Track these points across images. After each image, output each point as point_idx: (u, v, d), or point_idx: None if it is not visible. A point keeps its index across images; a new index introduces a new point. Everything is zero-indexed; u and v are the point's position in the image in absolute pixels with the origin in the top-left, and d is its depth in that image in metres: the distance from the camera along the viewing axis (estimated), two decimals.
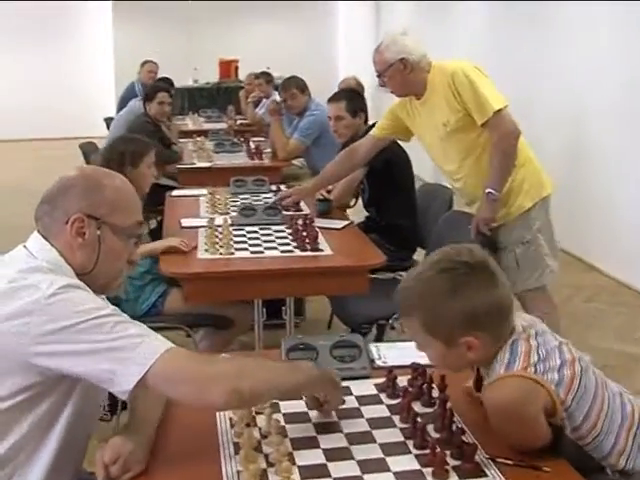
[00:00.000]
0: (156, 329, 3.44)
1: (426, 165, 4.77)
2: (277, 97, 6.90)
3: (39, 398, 1.64)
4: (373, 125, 4.22)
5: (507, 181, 3.42)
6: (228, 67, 11.40)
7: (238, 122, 8.08)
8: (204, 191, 4.40)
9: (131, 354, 1.57)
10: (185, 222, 3.75)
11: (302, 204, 4.19)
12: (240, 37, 13.29)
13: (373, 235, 3.93)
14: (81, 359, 1.57)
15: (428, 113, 3.55)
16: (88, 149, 6.16)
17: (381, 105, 5.46)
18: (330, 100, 4.47)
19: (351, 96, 4.41)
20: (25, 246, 1.76)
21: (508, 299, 1.70)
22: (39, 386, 1.63)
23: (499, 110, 3.31)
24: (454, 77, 3.38)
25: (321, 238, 3.43)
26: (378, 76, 3.59)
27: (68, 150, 7.81)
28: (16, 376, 1.61)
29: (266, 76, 7.87)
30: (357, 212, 4.52)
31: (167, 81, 7.56)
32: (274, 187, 4.59)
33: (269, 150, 6.07)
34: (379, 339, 3.61)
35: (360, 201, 4.56)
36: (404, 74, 3.50)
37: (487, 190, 3.37)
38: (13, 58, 13.37)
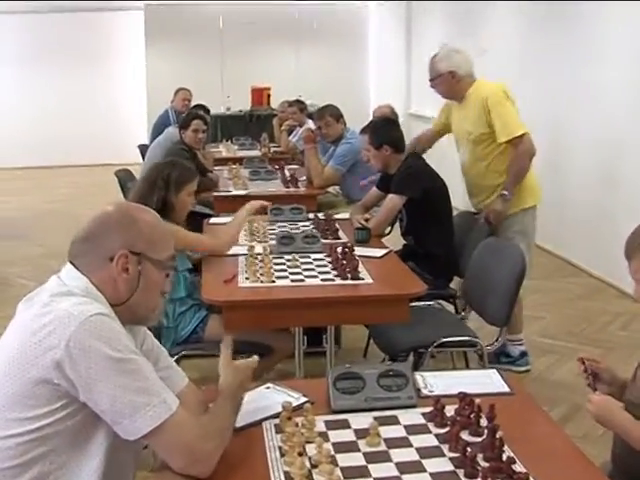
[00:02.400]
0: (195, 356, 3.53)
1: (459, 190, 4.83)
2: (311, 125, 6.98)
3: (66, 420, 1.70)
4: (412, 155, 4.31)
5: (517, 187, 4.30)
6: (260, 95, 11.49)
7: (272, 150, 8.16)
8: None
9: (140, 412, 1.66)
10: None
11: (341, 232, 4.24)
12: (272, 65, 13.42)
13: (410, 263, 3.97)
14: (98, 394, 1.66)
15: (461, 118, 4.46)
16: (124, 176, 6.26)
17: (413, 133, 5.51)
18: (360, 132, 4.59)
19: (376, 128, 4.43)
20: (59, 276, 1.84)
21: None
22: (63, 408, 1.69)
23: (522, 135, 4.22)
24: (489, 99, 4.24)
25: (361, 267, 3.46)
26: (430, 80, 4.46)
27: (103, 177, 7.96)
28: (38, 393, 1.67)
29: (299, 104, 7.95)
30: (394, 240, 4.55)
31: (202, 108, 7.63)
32: (311, 215, 4.64)
33: (304, 178, 6.13)
34: (417, 367, 3.62)
35: (397, 230, 4.60)
36: (451, 83, 4.40)
37: (503, 192, 4.27)
38: (47, 86, 13.70)
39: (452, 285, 4.31)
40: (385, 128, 4.46)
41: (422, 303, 3.83)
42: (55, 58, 13.63)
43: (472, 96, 4.36)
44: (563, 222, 6.87)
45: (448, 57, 4.40)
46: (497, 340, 3.54)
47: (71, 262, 1.84)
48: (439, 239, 4.18)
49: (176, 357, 3.40)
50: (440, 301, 4.21)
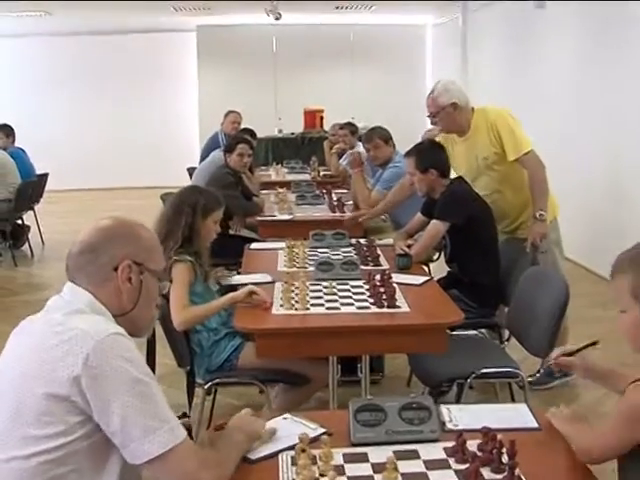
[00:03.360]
0: (229, 384, 3.56)
1: None
2: (361, 148, 7.01)
3: (83, 440, 1.73)
4: (456, 180, 4.31)
5: (547, 201, 4.40)
6: (313, 117, 11.59)
7: (321, 173, 8.22)
8: (283, 244, 4.51)
9: (149, 436, 1.70)
10: (253, 278, 3.82)
11: (382, 259, 4.25)
12: (326, 86, 13.54)
13: (454, 291, 3.96)
14: (111, 414, 1.70)
15: (469, 148, 4.55)
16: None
17: None
18: (405, 155, 4.57)
19: (422, 151, 4.41)
20: (61, 296, 1.90)
21: None
22: (80, 427, 1.72)
23: (528, 151, 4.38)
24: (497, 121, 4.42)
25: (399, 294, 3.46)
26: (431, 116, 4.56)
27: (151, 200, 8.08)
28: (54, 409, 1.70)
29: (350, 127, 7.98)
30: (440, 267, 4.54)
31: (248, 132, 7.70)
32: (354, 241, 4.65)
33: (351, 203, 6.15)
34: (459, 399, 3.59)
35: (442, 256, 4.59)
36: (453, 116, 4.49)
37: (537, 213, 4.35)
38: (99, 108, 14.08)
39: (498, 314, 4.25)
40: (432, 151, 4.44)
41: (464, 332, 3.81)
42: (107, 80, 14.02)
43: (478, 123, 4.49)
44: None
45: (447, 90, 4.50)
46: (539, 371, 3.49)
47: (71, 281, 1.90)
48: (484, 266, 4.14)
49: (209, 384, 3.45)
50: (484, 330, 4.18)
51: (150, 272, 1.94)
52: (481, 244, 4.17)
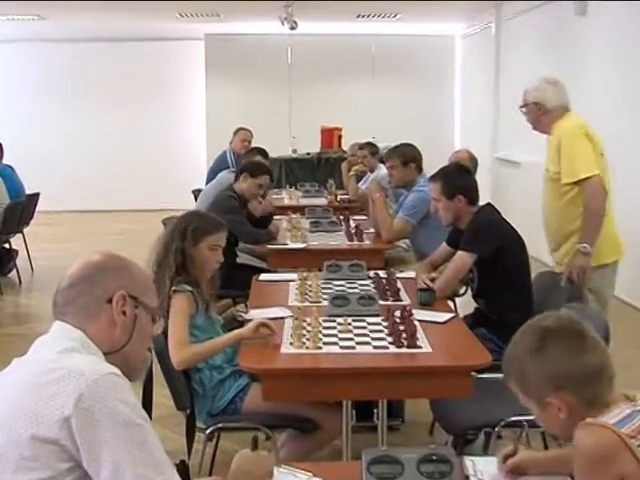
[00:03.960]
0: (232, 429, 3.56)
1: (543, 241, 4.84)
2: (383, 171, 7.04)
3: None
4: (485, 207, 4.32)
5: (597, 237, 4.41)
6: (330, 136, 11.65)
7: (339, 198, 8.24)
8: (295, 276, 4.53)
9: None
10: (271, 312, 3.84)
11: (402, 293, 4.26)
12: (345, 102, 13.62)
13: (482, 329, 3.97)
14: (101, 459, 1.71)
15: (547, 152, 4.69)
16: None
17: (501, 181, 5.54)
18: (430, 179, 4.60)
19: (449, 176, 4.44)
20: (49, 336, 1.93)
21: (601, 365, 1.94)
22: (68, 473, 1.73)
23: (587, 177, 4.38)
24: (562, 138, 4.49)
25: (421, 333, 3.47)
26: (520, 106, 4.78)
27: (153, 223, 8.13)
28: (39, 453, 1.72)
29: (371, 147, 8.03)
30: (467, 303, 4.54)
31: (260, 151, 7.68)
32: (372, 273, 4.66)
33: (372, 230, 6.18)
34: (486, 449, 3.58)
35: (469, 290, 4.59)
36: (537, 115, 4.70)
37: (581, 245, 4.39)
38: (96, 124, 14.24)
39: None
40: (460, 176, 4.46)
41: (492, 375, 3.80)
42: (105, 92, 14.22)
43: (554, 132, 4.63)
44: None
45: (538, 88, 4.70)
46: None
47: (60, 319, 1.94)
48: (515, 303, 4.11)
49: (211, 429, 3.46)
50: None
51: (144, 307, 1.99)
52: (512, 278, 4.16)
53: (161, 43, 14.14)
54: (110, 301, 1.93)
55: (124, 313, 1.95)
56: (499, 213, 4.39)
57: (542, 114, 4.67)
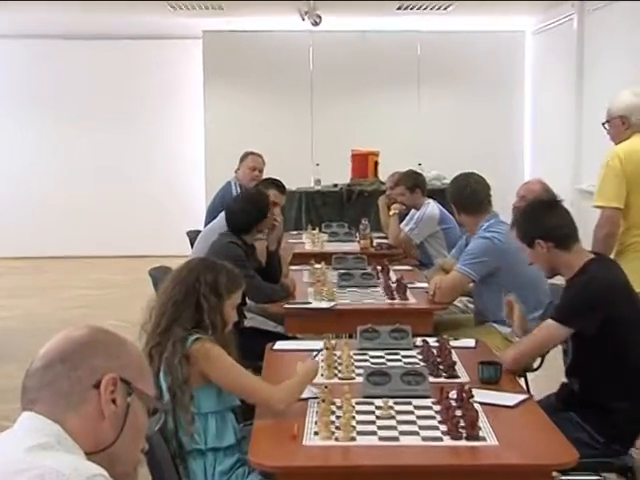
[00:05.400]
0: None
1: None
2: (433, 207, 7.06)
3: None
4: (594, 260, 4.24)
5: None
6: (364, 162, 11.57)
7: (375, 242, 8.24)
8: (320, 344, 4.50)
9: None
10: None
11: (459, 367, 4.25)
12: (382, 119, 13.66)
13: (571, 414, 3.97)
14: None
15: None
16: (161, 277, 6.36)
17: (585, 218, 5.57)
18: (510, 226, 4.62)
19: (521, 218, 4.48)
20: (14, 431, 1.92)
21: None
22: None
23: (600, 206, 5.41)
24: (605, 160, 5.43)
25: (483, 420, 3.47)
26: (604, 122, 5.65)
27: (138, 273, 8.13)
28: None
29: (414, 177, 8.11)
30: (542, 380, 4.50)
31: (274, 184, 7.62)
32: (419, 341, 4.65)
33: (419, 285, 6.19)
34: None
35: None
36: (620, 130, 5.51)
37: None
38: (69, 151, 14.35)
39: (634, 453, 4.19)
40: (533, 215, 4.43)
41: (580, 477, 3.78)
42: (76, 101, 14.28)
43: None
44: None
45: (623, 99, 5.54)
46: None
47: (29, 410, 1.93)
48: (620, 387, 4.06)
49: None
50: (609, 475, 4.13)
51: (139, 395, 1.99)
52: (621, 357, 4.08)
53: (148, 42, 14.23)
54: (98, 386, 1.93)
55: (114, 401, 1.94)
56: (613, 268, 4.34)
57: (625, 129, 5.50)
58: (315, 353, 4.13)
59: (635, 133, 5.48)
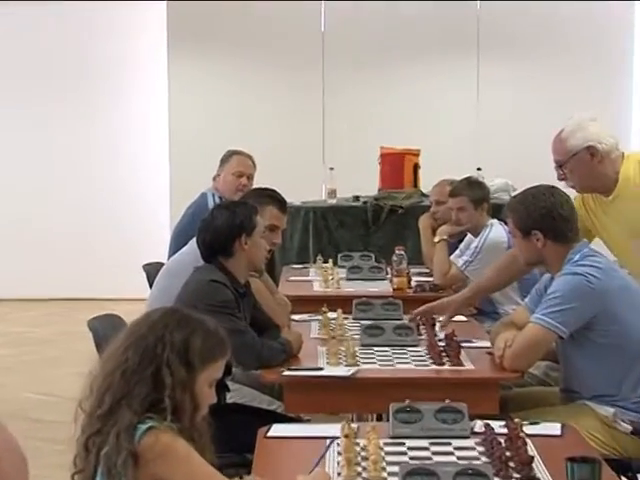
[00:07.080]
0: None
1: None
2: (501, 231, 7.11)
3: None
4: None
5: None
6: (399, 165, 11.47)
7: (414, 282, 8.21)
8: (335, 429, 4.47)
9: None
10: None
11: (538, 463, 4.19)
12: (424, 107, 13.69)
13: None
14: None
15: (620, 211, 5.96)
16: (105, 330, 6.34)
17: None
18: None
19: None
20: None
21: None
22: None
23: None
24: None
25: None
26: (558, 167, 5.98)
27: (75, 325, 8.17)
28: None
29: (473, 188, 8.06)
30: None
31: (268, 196, 7.63)
32: (479, 424, 4.62)
33: (478, 344, 6.20)
34: None
35: None
36: (591, 165, 5.90)
37: None
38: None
39: None
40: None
41: None
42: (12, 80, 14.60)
43: (629, 174, 5.96)
44: None
45: (581, 128, 5.98)
46: None
47: None
48: None
49: None
50: None
51: None
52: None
53: (92, 3, 14.37)
54: None
55: None
56: None
57: (597, 163, 5.93)
58: (327, 444, 4.08)
59: (621, 161, 6.00)
